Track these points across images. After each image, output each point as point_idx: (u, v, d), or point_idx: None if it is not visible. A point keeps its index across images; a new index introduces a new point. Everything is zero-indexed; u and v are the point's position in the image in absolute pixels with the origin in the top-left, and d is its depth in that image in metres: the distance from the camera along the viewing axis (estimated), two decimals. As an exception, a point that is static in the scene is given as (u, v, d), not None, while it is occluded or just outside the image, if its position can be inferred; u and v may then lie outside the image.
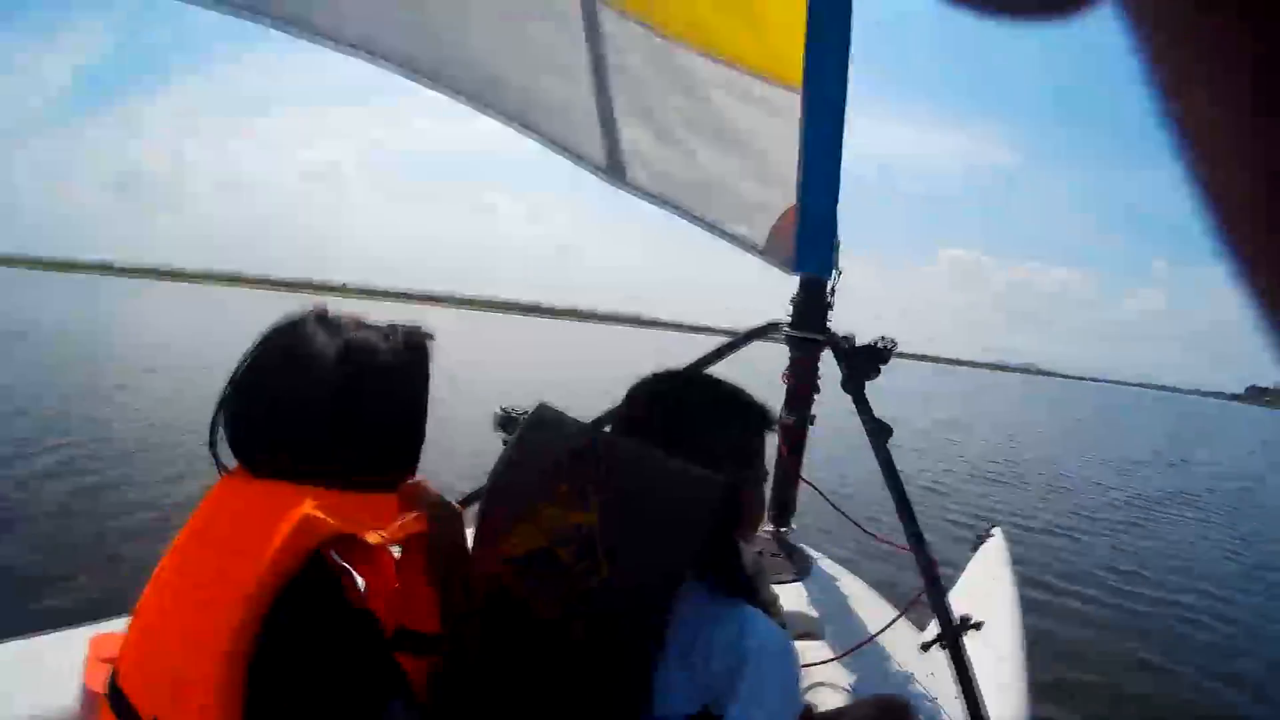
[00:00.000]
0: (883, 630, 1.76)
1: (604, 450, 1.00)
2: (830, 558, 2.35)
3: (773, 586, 1.95)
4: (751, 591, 1.04)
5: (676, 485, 0.95)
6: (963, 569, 2.91)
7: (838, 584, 2.15)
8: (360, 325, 1.00)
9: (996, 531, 3.17)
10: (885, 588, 2.24)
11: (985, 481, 9.90)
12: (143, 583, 0.96)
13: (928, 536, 1.68)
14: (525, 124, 1.82)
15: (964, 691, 1.50)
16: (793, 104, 1.62)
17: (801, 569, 2.18)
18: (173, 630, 0.87)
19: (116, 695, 0.90)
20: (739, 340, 2.34)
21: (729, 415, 1.10)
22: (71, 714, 1.18)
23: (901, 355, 1.83)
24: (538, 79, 1.73)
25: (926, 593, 1.63)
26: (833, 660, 1.69)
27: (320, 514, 0.84)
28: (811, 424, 2.39)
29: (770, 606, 1.13)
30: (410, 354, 1.02)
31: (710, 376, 1.18)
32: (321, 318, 0.98)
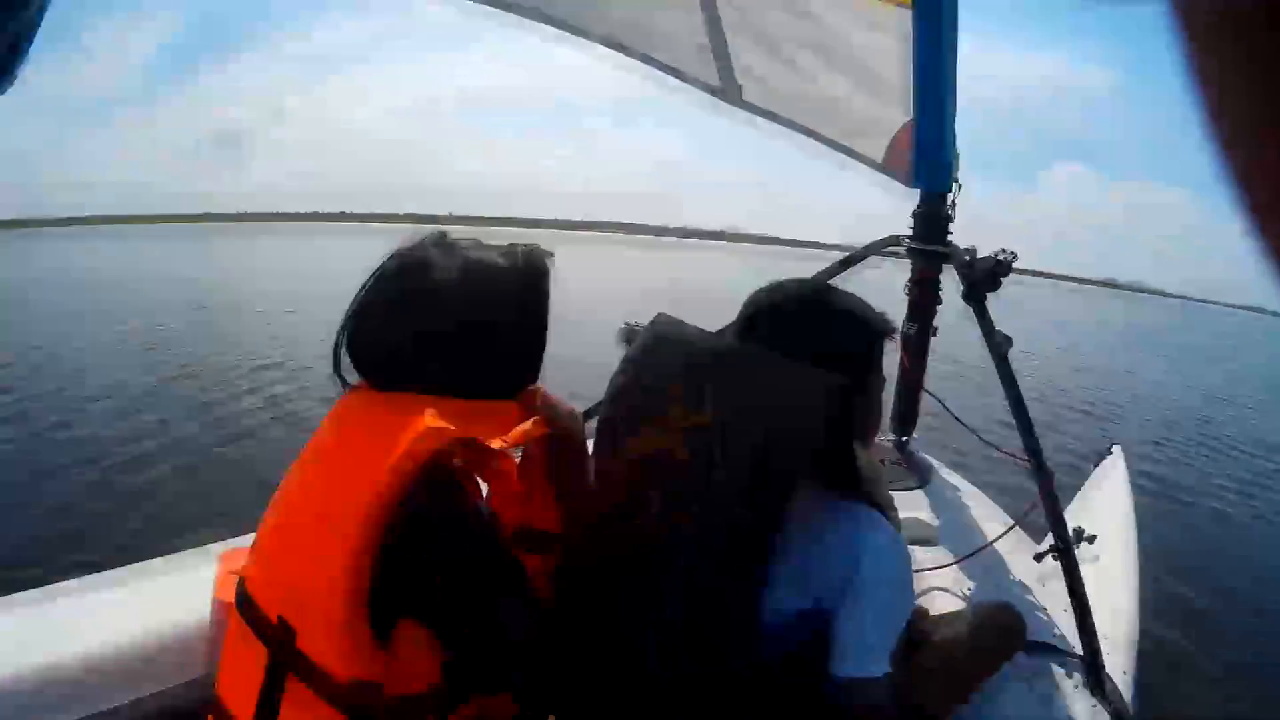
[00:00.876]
0: (997, 539, 1.78)
1: (721, 354, 1.02)
2: (950, 467, 2.37)
3: (891, 493, 2.00)
4: (868, 493, 1.03)
5: (791, 386, 0.95)
6: (1080, 485, 2.85)
7: (956, 493, 2.17)
8: (479, 246, 1.02)
9: (1116, 449, 3.06)
10: (1002, 499, 2.23)
11: (1102, 401, 9.38)
12: (263, 496, 1.01)
13: (1045, 451, 1.65)
14: (637, 52, 1.87)
15: (1074, 603, 1.51)
16: (902, 19, 1.60)
17: (921, 478, 2.23)
18: (299, 534, 0.91)
19: (245, 601, 0.94)
20: (860, 253, 2.32)
21: (846, 321, 1.09)
22: (204, 624, 1.23)
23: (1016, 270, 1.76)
24: (648, 7, 1.76)
25: (1042, 503, 1.62)
26: (947, 566, 1.72)
27: (441, 420, 0.86)
28: (933, 335, 2.39)
29: (887, 511, 1.09)
30: (530, 271, 1.03)
31: (828, 285, 1.19)
32: (439, 241, 1.01)
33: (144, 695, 1.23)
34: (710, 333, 1.09)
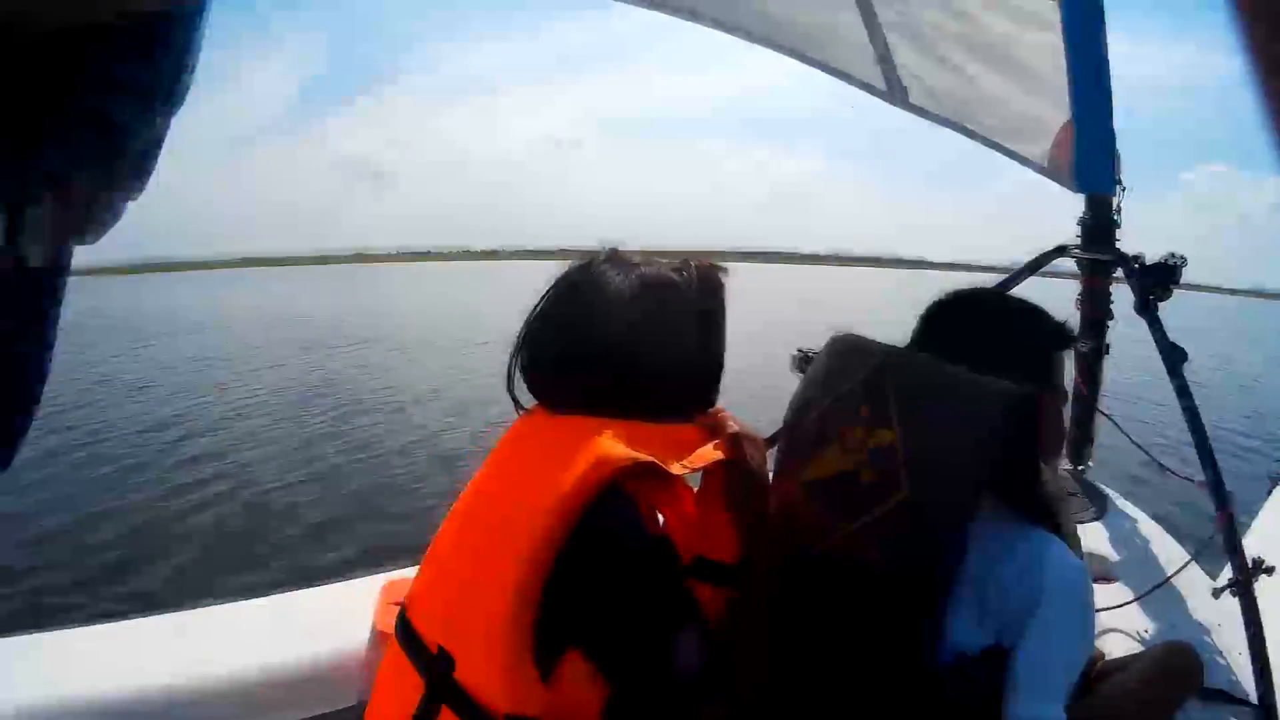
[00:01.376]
0: (1174, 574, 1.69)
1: (902, 366, 0.99)
2: (1126, 497, 2.26)
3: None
4: (1052, 516, 0.99)
5: (974, 395, 0.92)
6: (1256, 511, 2.58)
7: (1134, 525, 2.08)
8: (651, 262, 0.99)
9: None
10: (1177, 530, 2.12)
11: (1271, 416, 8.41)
12: (433, 530, 1.00)
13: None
14: (804, 55, 1.97)
15: (1252, 645, 1.41)
16: (1052, 13, 1.62)
17: (1099, 508, 2.14)
18: (466, 563, 0.89)
19: (405, 628, 0.93)
20: (1027, 267, 2.24)
21: (1024, 328, 1.07)
22: (361, 653, 1.26)
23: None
24: (814, 13, 1.87)
25: (1221, 533, 1.54)
26: (1123, 606, 1.63)
27: (617, 445, 0.84)
28: (1107, 353, 2.29)
29: (1071, 539, 1.03)
30: (705, 286, 1.01)
31: (1003, 294, 1.23)
32: (611, 258, 0.99)
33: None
34: (888, 346, 1.04)
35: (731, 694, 0.90)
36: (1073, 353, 2.27)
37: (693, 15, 1.78)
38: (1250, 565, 1.49)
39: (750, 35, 1.87)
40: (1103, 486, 2.28)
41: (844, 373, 1.03)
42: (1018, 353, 1.02)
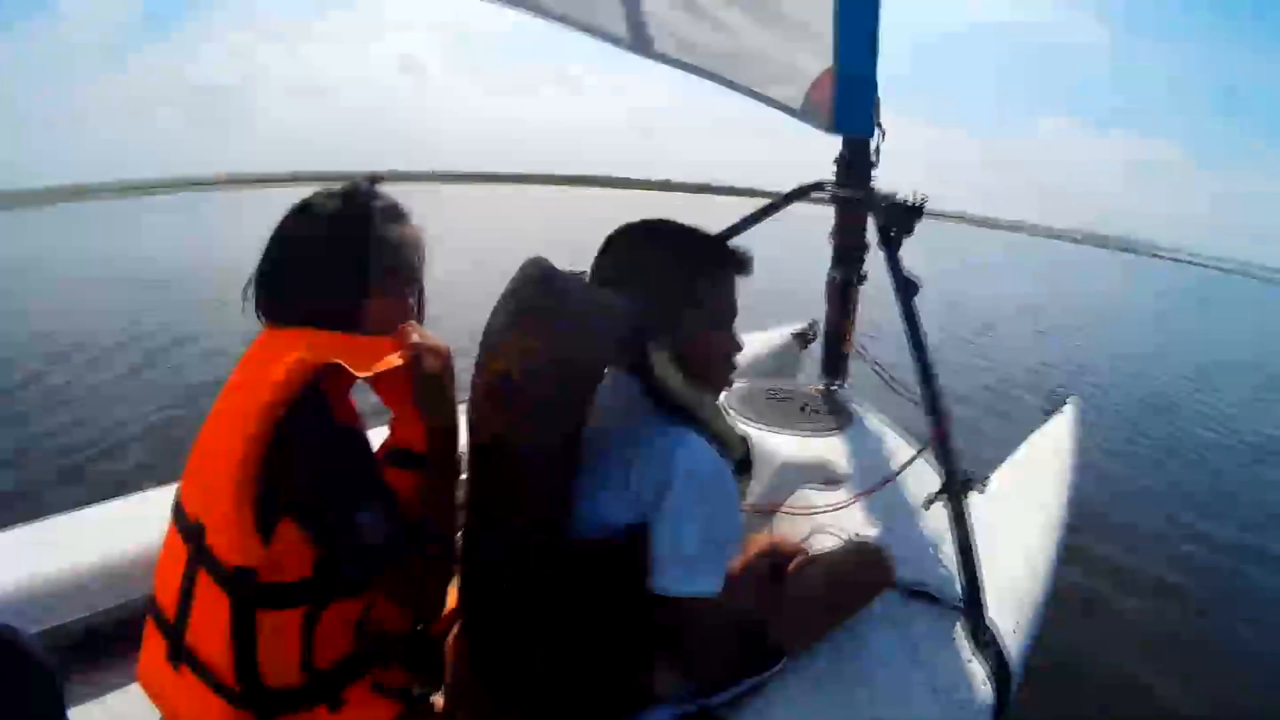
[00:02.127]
0: (884, 483, 1.79)
1: (541, 282, 1.09)
2: (883, 415, 2.37)
3: (785, 434, 2.06)
4: (692, 418, 1.11)
5: (592, 309, 1.06)
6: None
7: (878, 439, 2.16)
8: (329, 193, 1.14)
9: (1071, 401, 3.16)
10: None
11: (1075, 353, 9.41)
12: None
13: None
14: (547, 10, 1.71)
15: (959, 550, 1.53)
16: None
17: (842, 423, 2.23)
18: (209, 450, 1.07)
19: (178, 509, 1.12)
20: (781, 200, 2.33)
21: (679, 257, 1.16)
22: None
23: (935, 215, 1.77)
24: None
25: (934, 447, 1.63)
26: (838, 509, 1.73)
27: (311, 352, 1.02)
28: (861, 282, 2.41)
29: (727, 438, 1.15)
30: (350, 208, 1.13)
31: (677, 224, 1.21)
32: (321, 193, 1.15)
33: (100, 609, 1.45)
34: (561, 271, 1.13)
35: (420, 561, 1.10)
36: (826, 280, 2.41)
37: None
38: (961, 478, 1.59)
39: None
40: (853, 404, 2.39)
41: (518, 291, 1.13)
42: (667, 277, 1.14)
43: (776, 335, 3.28)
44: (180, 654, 1.08)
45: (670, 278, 1.14)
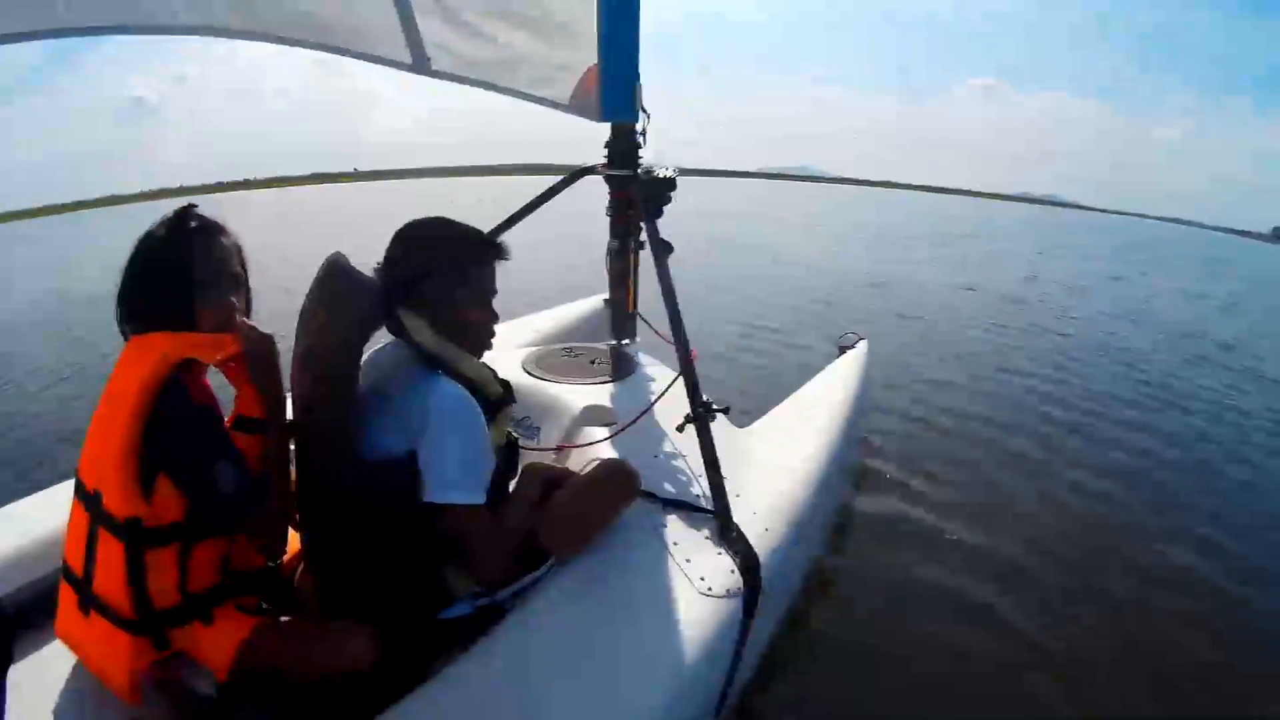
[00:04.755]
0: (640, 414, 2.04)
1: (331, 276, 1.40)
2: (665, 366, 2.56)
3: (559, 381, 2.36)
4: (446, 368, 1.42)
5: (351, 292, 1.38)
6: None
7: (655, 384, 2.35)
8: (161, 220, 1.37)
9: (862, 343, 3.55)
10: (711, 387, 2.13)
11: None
12: None
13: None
14: (335, 47, 1.88)
15: (706, 465, 1.81)
16: None
17: (625, 373, 2.46)
18: (99, 432, 1.31)
19: (79, 484, 1.36)
20: (561, 183, 2.62)
21: (437, 247, 1.46)
22: None
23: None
24: (342, 8, 1.79)
25: (683, 380, 1.94)
26: (604, 441, 1.99)
27: (168, 349, 1.29)
28: (641, 249, 2.69)
29: (476, 380, 1.47)
30: (167, 231, 1.36)
31: (442, 220, 1.52)
32: (157, 222, 1.38)
33: (13, 588, 1.60)
34: (341, 263, 1.42)
35: (266, 505, 1.37)
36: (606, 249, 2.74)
37: (225, 33, 1.60)
38: (703, 406, 1.88)
39: (283, 39, 1.72)
40: (639, 356, 2.66)
41: (314, 282, 1.42)
42: (427, 264, 1.43)
43: (589, 303, 3.59)
44: (89, 602, 1.34)
45: (428, 263, 1.43)
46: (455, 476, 1.35)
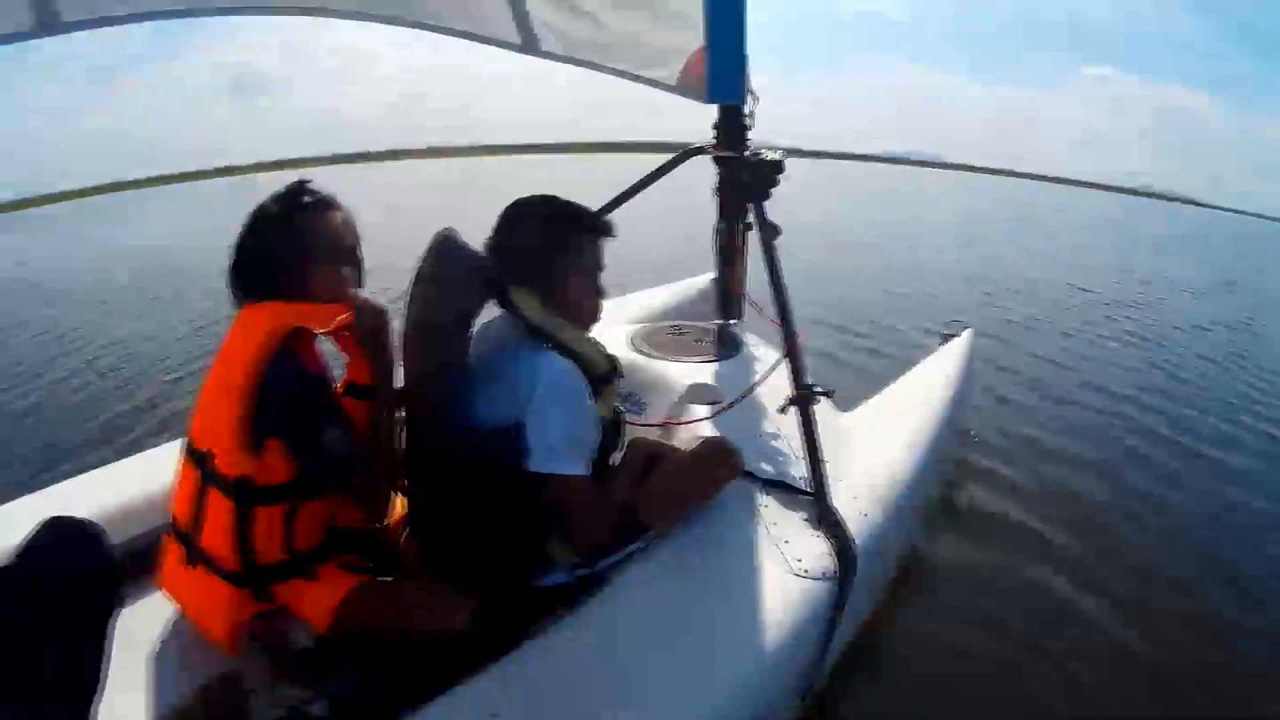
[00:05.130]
0: (744, 395, 2.03)
1: (436, 248, 1.43)
2: (770, 347, 2.52)
3: (667, 359, 2.37)
4: (552, 339, 1.45)
5: (459, 267, 1.43)
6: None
7: (759, 365, 2.34)
8: (273, 196, 1.44)
9: (966, 333, 3.43)
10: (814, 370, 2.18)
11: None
12: None
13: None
14: (443, 27, 1.92)
15: (807, 447, 1.79)
16: None
17: (729, 352, 2.46)
18: (211, 396, 1.39)
19: (189, 444, 1.45)
20: (668, 164, 2.60)
21: (545, 225, 1.49)
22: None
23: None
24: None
25: (788, 362, 1.90)
26: (712, 417, 2.00)
27: (280, 318, 1.35)
28: (749, 230, 2.63)
29: (584, 355, 1.48)
30: (280, 205, 1.43)
31: (546, 199, 1.53)
32: (269, 197, 1.45)
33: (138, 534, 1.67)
34: (451, 237, 1.46)
35: (370, 469, 1.43)
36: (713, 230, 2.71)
37: (336, 13, 1.65)
38: (807, 388, 1.83)
39: (389, 18, 1.77)
40: (745, 335, 2.65)
41: (423, 257, 1.44)
42: (519, 241, 1.47)
43: (698, 281, 3.55)
44: (194, 556, 1.41)
45: (537, 241, 1.47)
46: (559, 447, 1.38)
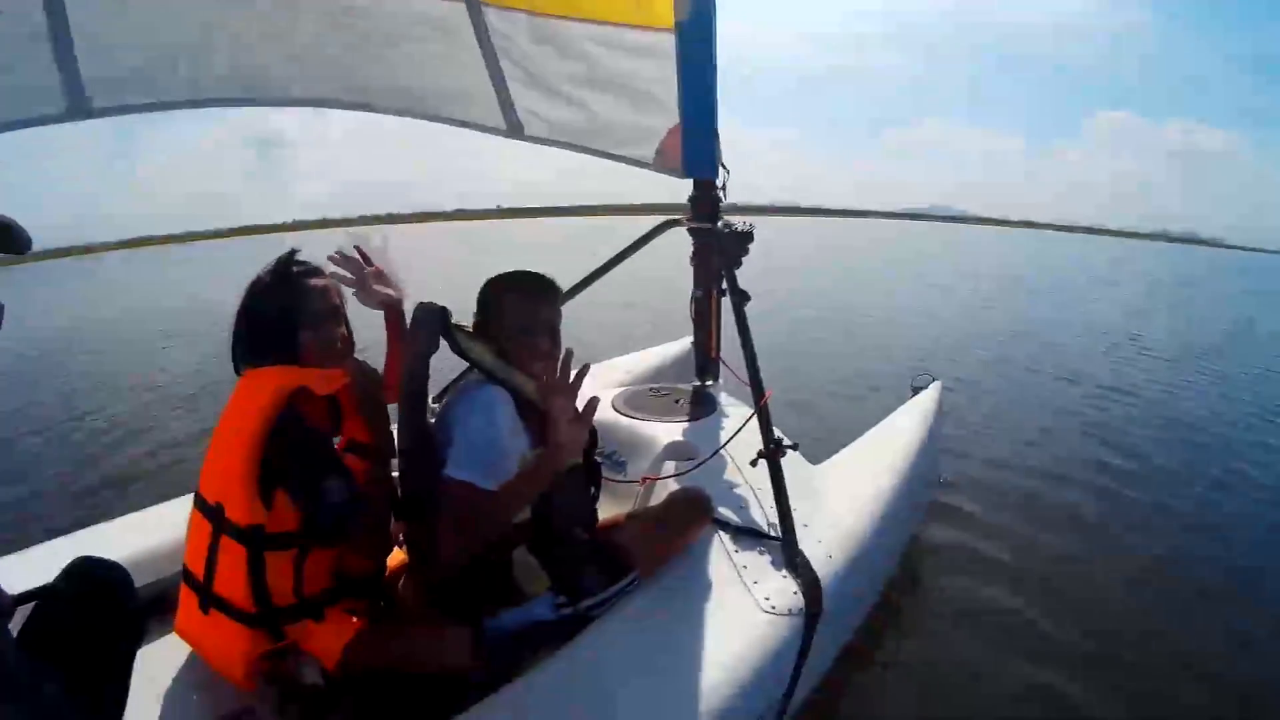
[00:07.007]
0: (715, 451, 2.21)
1: (424, 318, 1.61)
2: (743, 405, 2.64)
3: (651, 419, 2.54)
4: (494, 379, 1.61)
5: (420, 324, 1.60)
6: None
7: (729, 423, 2.53)
8: (266, 268, 1.58)
9: (935, 384, 3.59)
10: (785, 428, 2.28)
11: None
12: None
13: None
14: (437, 116, 2.06)
15: (775, 494, 1.92)
16: (664, 42, 1.94)
17: (705, 412, 2.63)
18: (221, 452, 1.49)
19: (199, 498, 1.53)
20: (647, 236, 2.78)
21: (504, 295, 1.67)
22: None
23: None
24: (442, 81, 1.97)
25: (757, 419, 2.05)
26: (689, 471, 2.16)
27: (283, 382, 1.46)
28: (723, 295, 2.72)
29: (526, 392, 1.60)
30: (273, 276, 1.57)
31: (514, 273, 1.72)
32: (264, 268, 1.59)
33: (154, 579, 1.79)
34: (422, 303, 1.65)
35: (370, 520, 1.57)
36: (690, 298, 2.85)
37: (340, 104, 1.80)
38: (775, 443, 1.98)
39: (389, 110, 1.92)
40: (720, 396, 2.85)
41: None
42: (500, 309, 1.66)
43: (677, 345, 3.74)
44: (209, 602, 1.50)
45: (507, 308, 1.65)
46: (463, 457, 1.50)
